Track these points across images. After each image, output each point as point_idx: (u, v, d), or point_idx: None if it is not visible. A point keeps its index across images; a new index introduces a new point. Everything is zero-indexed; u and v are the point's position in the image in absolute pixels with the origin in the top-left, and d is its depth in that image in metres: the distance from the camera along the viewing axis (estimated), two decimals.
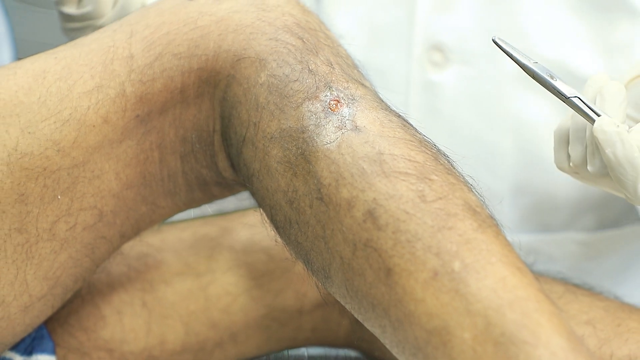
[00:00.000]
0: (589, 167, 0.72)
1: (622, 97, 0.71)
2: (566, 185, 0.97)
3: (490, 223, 0.66)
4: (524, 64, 0.72)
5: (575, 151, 0.73)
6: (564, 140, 0.74)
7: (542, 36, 0.97)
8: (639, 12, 0.92)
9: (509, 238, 0.67)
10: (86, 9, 0.89)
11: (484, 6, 0.98)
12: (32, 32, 1.28)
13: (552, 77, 0.72)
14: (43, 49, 0.80)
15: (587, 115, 0.70)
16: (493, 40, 0.73)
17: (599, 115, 0.70)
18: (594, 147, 0.71)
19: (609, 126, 0.69)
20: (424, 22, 0.98)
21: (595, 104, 0.72)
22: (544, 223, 1.03)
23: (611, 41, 0.97)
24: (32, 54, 0.77)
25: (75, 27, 0.89)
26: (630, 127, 0.70)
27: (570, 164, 0.74)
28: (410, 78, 0.98)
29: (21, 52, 1.19)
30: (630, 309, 0.82)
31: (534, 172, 0.99)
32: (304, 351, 0.95)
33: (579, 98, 0.71)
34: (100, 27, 0.88)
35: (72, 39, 0.89)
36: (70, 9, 0.89)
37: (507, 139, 0.96)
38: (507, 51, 0.72)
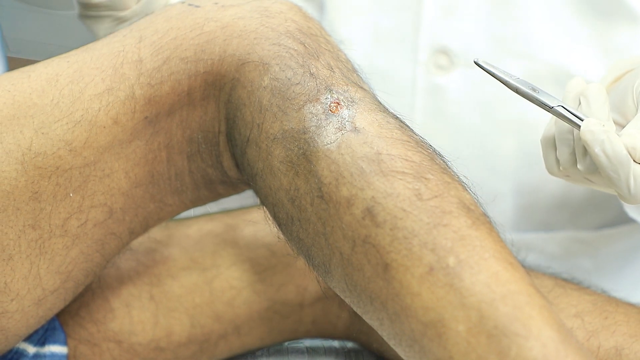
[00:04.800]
0: (579, 166, 0.72)
1: (603, 97, 0.72)
2: (567, 186, 0.96)
3: (483, 220, 0.67)
4: (507, 81, 0.72)
5: (563, 154, 0.73)
6: (550, 145, 0.74)
7: (544, 40, 0.97)
8: (638, 16, 0.92)
9: (502, 235, 0.68)
10: None
11: (488, 11, 0.98)
12: (22, 31, 1.26)
13: (534, 90, 0.72)
14: (34, 48, 0.80)
15: (572, 121, 0.71)
16: (475, 62, 0.73)
17: (582, 120, 0.70)
18: (583, 148, 0.72)
19: (596, 126, 0.68)
20: (430, 27, 0.98)
21: (579, 107, 0.72)
22: (546, 222, 1.02)
23: (612, 45, 0.96)
24: (23, 53, 0.77)
25: (94, 15, 0.87)
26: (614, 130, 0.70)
27: (560, 168, 0.74)
28: (415, 81, 0.97)
29: (13, 51, 1.16)
30: (617, 302, 0.83)
31: (535, 173, 0.98)
32: (302, 343, 0.95)
33: (563, 107, 0.71)
34: (121, 19, 0.87)
35: (87, 26, 0.87)
36: None
37: (509, 140, 0.96)
38: (489, 70, 0.73)
